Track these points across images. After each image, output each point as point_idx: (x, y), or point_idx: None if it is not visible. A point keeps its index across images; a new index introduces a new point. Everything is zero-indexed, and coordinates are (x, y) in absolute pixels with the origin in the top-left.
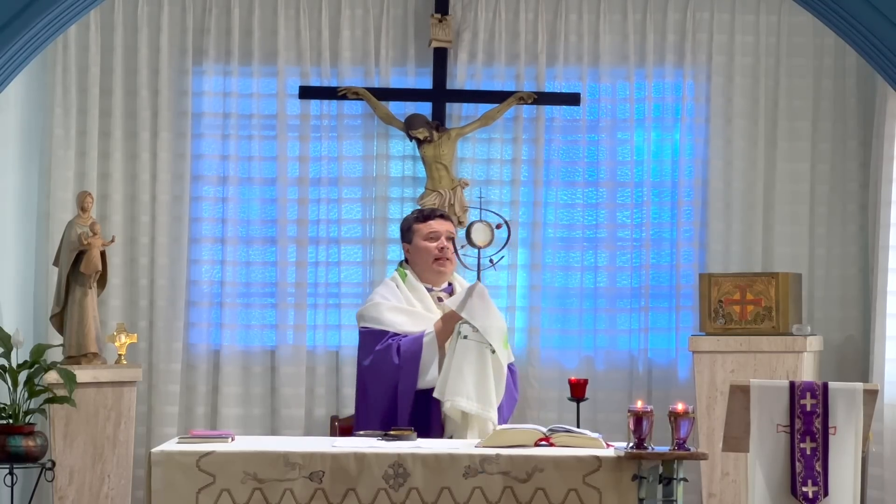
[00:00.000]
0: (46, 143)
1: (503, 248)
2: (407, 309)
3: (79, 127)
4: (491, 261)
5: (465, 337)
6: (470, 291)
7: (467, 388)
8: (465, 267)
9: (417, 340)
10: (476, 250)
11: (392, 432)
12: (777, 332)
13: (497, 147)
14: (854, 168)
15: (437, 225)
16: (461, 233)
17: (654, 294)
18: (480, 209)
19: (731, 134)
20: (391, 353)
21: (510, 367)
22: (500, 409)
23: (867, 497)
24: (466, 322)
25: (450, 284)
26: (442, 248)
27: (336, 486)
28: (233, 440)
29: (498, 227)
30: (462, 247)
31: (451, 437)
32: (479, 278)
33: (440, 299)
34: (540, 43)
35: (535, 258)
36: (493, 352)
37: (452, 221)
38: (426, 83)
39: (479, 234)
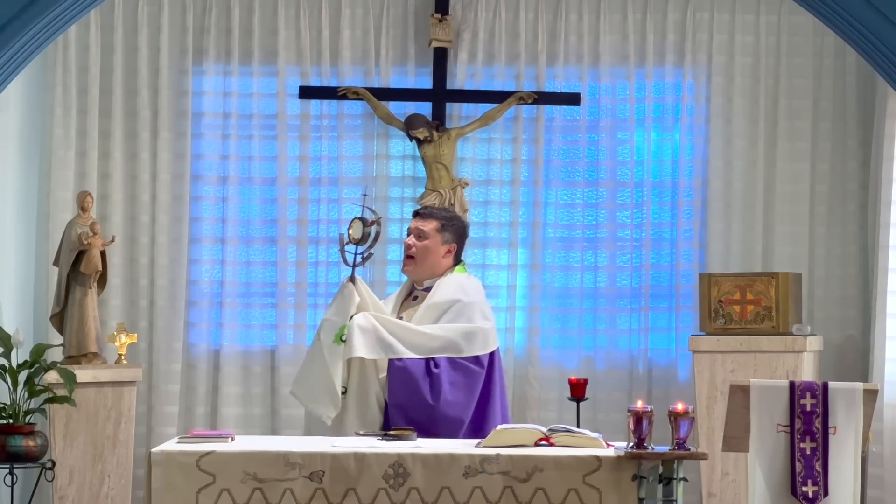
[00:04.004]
0: (46, 143)
1: (372, 245)
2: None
3: (79, 127)
4: (362, 256)
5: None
6: None
7: (301, 377)
8: (346, 264)
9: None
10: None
11: (392, 432)
12: (777, 332)
13: (497, 147)
14: (854, 168)
15: (412, 223)
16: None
17: (654, 294)
18: (363, 206)
19: (731, 134)
20: None
21: (430, 370)
22: (397, 408)
23: (867, 497)
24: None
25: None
26: (406, 245)
27: (336, 486)
28: (233, 440)
29: (371, 223)
30: (347, 243)
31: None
32: (352, 273)
33: (415, 297)
34: (540, 43)
35: (535, 258)
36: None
37: (434, 217)
38: (426, 83)
39: (353, 230)
